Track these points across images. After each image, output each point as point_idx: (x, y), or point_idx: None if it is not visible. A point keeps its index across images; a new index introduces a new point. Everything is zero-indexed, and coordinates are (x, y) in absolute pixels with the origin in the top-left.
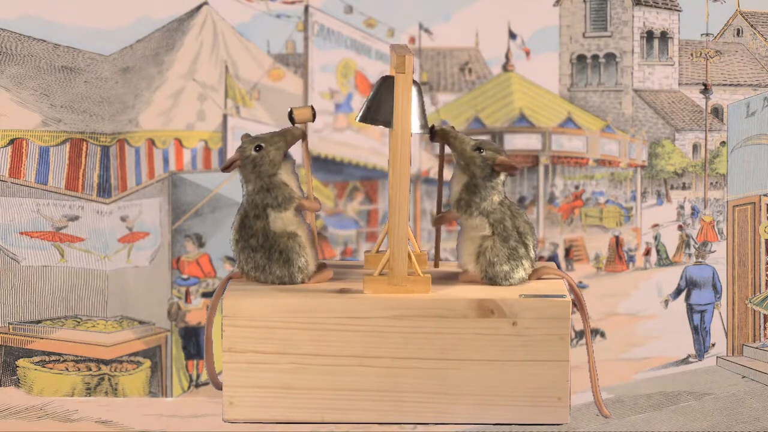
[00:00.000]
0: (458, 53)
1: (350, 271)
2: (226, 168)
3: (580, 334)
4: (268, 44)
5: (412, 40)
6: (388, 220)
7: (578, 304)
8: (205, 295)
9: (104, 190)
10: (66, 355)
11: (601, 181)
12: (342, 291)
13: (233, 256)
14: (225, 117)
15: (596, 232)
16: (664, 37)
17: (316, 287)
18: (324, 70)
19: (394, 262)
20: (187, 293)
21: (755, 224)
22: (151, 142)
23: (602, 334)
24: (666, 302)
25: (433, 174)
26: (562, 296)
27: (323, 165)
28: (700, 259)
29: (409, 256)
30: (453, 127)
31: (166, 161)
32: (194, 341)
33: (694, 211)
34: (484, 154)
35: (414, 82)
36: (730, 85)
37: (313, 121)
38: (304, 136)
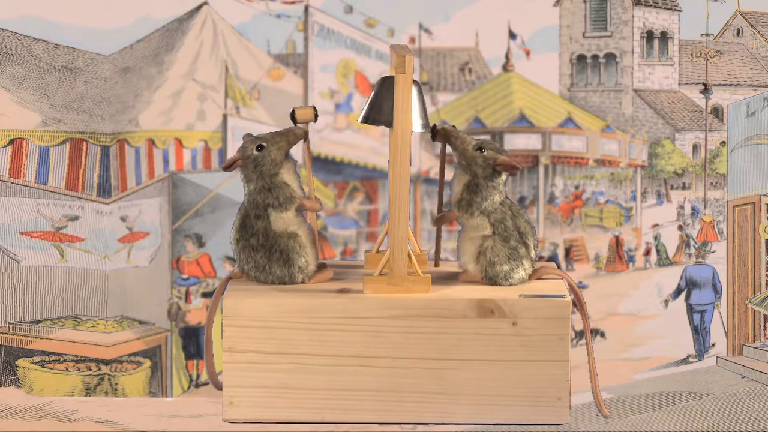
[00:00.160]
0: (458, 53)
1: (350, 271)
2: (228, 167)
3: (580, 334)
4: (268, 44)
5: (412, 40)
6: (388, 220)
7: (578, 304)
8: (205, 295)
9: (104, 190)
10: (66, 355)
11: (601, 181)
12: (342, 291)
13: (233, 255)
14: (225, 117)
15: (596, 232)
16: (664, 37)
17: (316, 287)
18: (324, 70)
19: (394, 262)
20: (187, 293)
21: (755, 224)
22: (151, 142)
23: (602, 334)
24: (666, 302)
25: (433, 174)
26: (562, 296)
27: (323, 165)
28: (700, 259)
29: (409, 256)
30: (454, 127)
31: (166, 161)
32: (194, 341)
33: (694, 211)
34: (485, 153)
35: (414, 81)
36: (730, 85)
37: (315, 121)
38: (305, 136)
